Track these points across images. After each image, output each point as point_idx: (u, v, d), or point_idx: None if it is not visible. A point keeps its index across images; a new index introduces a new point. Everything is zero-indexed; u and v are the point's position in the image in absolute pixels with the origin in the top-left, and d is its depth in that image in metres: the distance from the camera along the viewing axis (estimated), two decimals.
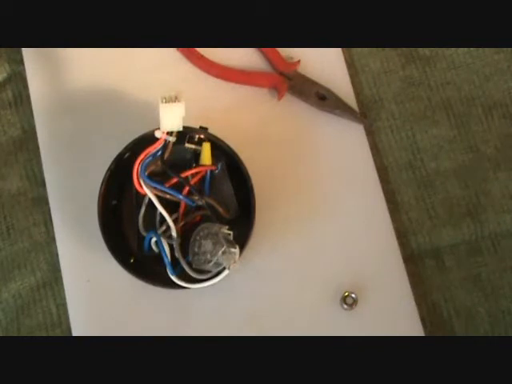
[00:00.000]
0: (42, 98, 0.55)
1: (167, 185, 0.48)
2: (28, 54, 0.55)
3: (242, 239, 0.48)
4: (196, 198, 0.48)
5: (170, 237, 0.48)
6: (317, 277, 0.52)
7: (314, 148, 0.54)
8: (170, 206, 0.48)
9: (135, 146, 0.49)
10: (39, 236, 0.54)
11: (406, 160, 0.55)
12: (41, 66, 0.55)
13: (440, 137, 0.55)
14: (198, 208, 0.49)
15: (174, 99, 0.44)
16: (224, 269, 0.46)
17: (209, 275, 0.47)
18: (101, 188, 0.49)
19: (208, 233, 0.47)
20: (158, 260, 0.47)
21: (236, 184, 0.50)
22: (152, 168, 0.47)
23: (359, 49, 0.57)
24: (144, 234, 0.48)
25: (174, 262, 0.47)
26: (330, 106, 0.54)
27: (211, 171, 0.49)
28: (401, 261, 0.52)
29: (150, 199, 0.47)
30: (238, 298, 0.52)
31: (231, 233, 0.47)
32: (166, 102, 0.44)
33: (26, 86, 0.55)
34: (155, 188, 0.47)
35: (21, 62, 0.56)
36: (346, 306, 0.51)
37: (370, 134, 0.55)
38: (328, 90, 0.55)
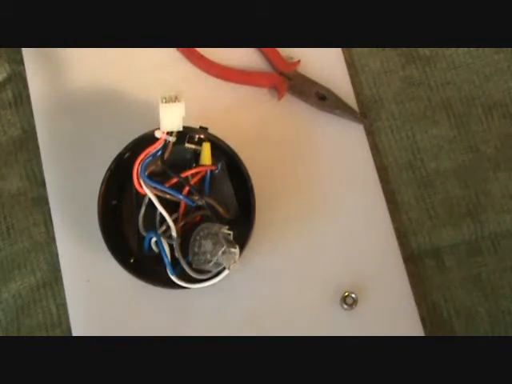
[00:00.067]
0: (42, 98, 0.55)
1: (167, 185, 0.48)
2: (28, 54, 0.55)
3: (241, 239, 0.48)
4: (196, 197, 0.48)
5: (170, 237, 0.48)
6: (317, 277, 0.52)
7: (314, 148, 0.54)
8: (170, 206, 0.48)
9: (135, 146, 0.49)
10: (39, 236, 0.54)
11: (406, 160, 0.55)
12: (41, 66, 0.55)
13: (440, 137, 0.55)
14: (198, 208, 0.49)
15: (174, 99, 0.44)
16: (224, 269, 0.46)
17: (209, 275, 0.47)
18: (101, 188, 0.49)
19: (208, 233, 0.47)
20: (158, 260, 0.47)
21: (236, 184, 0.50)
22: (152, 168, 0.47)
23: (359, 49, 0.57)
24: (144, 234, 0.48)
25: (174, 262, 0.47)
26: (330, 106, 0.54)
27: (211, 171, 0.49)
28: (401, 261, 0.52)
29: (149, 199, 0.47)
30: (238, 298, 0.52)
31: (231, 233, 0.47)
32: (165, 102, 0.44)
33: (26, 86, 0.55)
34: (155, 188, 0.47)
35: (21, 62, 0.56)
36: (346, 306, 0.51)
37: (370, 134, 0.55)
38: (328, 90, 0.55)
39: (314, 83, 0.55)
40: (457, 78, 0.56)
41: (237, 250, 0.46)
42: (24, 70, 0.55)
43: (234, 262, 0.46)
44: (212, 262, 0.46)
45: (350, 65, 0.56)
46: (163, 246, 0.47)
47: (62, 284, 0.52)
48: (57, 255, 0.53)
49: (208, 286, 0.47)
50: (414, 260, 0.54)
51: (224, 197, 0.50)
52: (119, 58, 0.55)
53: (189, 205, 0.48)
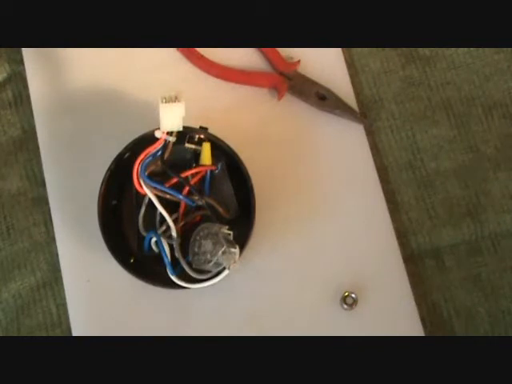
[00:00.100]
0: (42, 98, 0.55)
1: (167, 185, 0.48)
2: (28, 54, 0.55)
3: (242, 239, 0.48)
4: (196, 197, 0.48)
5: (170, 237, 0.48)
6: (317, 277, 0.52)
7: (314, 148, 0.54)
8: (170, 206, 0.48)
9: (135, 146, 0.49)
10: (39, 236, 0.54)
11: (406, 160, 0.55)
12: (41, 66, 0.55)
13: (440, 137, 0.55)
14: (198, 208, 0.49)
15: (174, 99, 0.44)
16: (224, 269, 0.46)
17: (209, 275, 0.47)
18: (101, 188, 0.49)
19: (208, 233, 0.47)
20: (158, 260, 0.47)
21: (236, 184, 0.50)
22: (152, 168, 0.47)
23: (359, 49, 0.57)
24: (144, 234, 0.48)
25: (174, 262, 0.47)
26: (330, 105, 0.54)
27: (211, 171, 0.49)
28: (401, 261, 0.52)
29: (149, 199, 0.47)
30: (238, 298, 0.52)
31: (231, 233, 0.47)
32: (166, 102, 0.44)
33: (26, 86, 0.55)
34: (155, 188, 0.47)
35: (21, 62, 0.56)
36: (346, 306, 0.51)
37: (370, 133, 0.55)
38: (328, 90, 0.55)
39: (314, 83, 0.55)
40: (457, 78, 0.56)
41: (237, 250, 0.46)
42: (24, 70, 0.55)
43: (234, 261, 0.46)
44: (212, 262, 0.46)
45: (350, 65, 0.56)
46: (163, 246, 0.47)
47: (62, 284, 0.52)
48: (57, 255, 0.53)
49: (208, 286, 0.47)
50: (414, 260, 0.54)
51: (224, 197, 0.50)
52: (119, 58, 0.55)
53: (189, 205, 0.48)
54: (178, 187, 0.48)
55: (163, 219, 0.47)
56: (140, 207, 0.48)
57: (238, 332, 0.51)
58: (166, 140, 0.46)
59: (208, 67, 0.55)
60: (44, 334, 0.52)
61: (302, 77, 0.55)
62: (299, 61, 0.55)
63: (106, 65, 0.55)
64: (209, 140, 0.49)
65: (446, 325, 0.53)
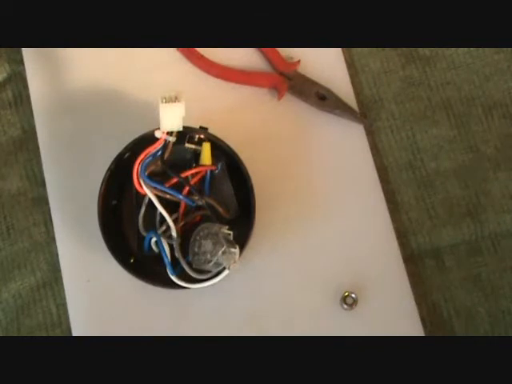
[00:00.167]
0: (42, 98, 0.55)
1: (167, 185, 0.48)
2: (28, 54, 0.55)
3: (242, 239, 0.48)
4: (196, 197, 0.48)
5: (170, 237, 0.48)
6: (317, 277, 0.52)
7: (314, 148, 0.54)
8: (170, 206, 0.48)
9: (135, 146, 0.49)
10: (39, 236, 0.54)
11: (406, 160, 0.55)
12: (41, 66, 0.55)
13: (440, 137, 0.55)
14: (198, 208, 0.49)
15: (174, 99, 0.44)
16: (224, 269, 0.46)
17: (209, 275, 0.47)
18: (101, 188, 0.49)
19: (208, 233, 0.47)
20: (158, 260, 0.47)
21: (236, 184, 0.50)
22: (152, 168, 0.47)
23: (359, 49, 0.57)
24: (144, 234, 0.48)
25: (174, 262, 0.47)
26: (330, 105, 0.54)
27: (211, 171, 0.49)
28: (401, 261, 0.52)
29: (150, 199, 0.47)
30: (238, 298, 0.52)
31: (231, 233, 0.47)
32: (166, 102, 0.44)
33: (26, 86, 0.55)
34: (155, 188, 0.47)
35: (21, 62, 0.56)
36: (346, 306, 0.51)
37: (370, 134, 0.55)
38: (328, 90, 0.55)
39: (314, 83, 0.55)
40: (457, 78, 0.56)
41: (237, 250, 0.46)
42: (24, 70, 0.55)
43: (234, 261, 0.46)
44: (212, 262, 0.46)
45: (350, 65, 0.56)
46: (163, 246, 0.47)
47: (62, 284, 0.52)
48: (57, 255, 0.53)
49: (208, 286, 0.47)
50: (414, 260, 0.54)
51: (224, 197, 0.50)
52: (119, 58, 0.55)
53: (189, 205, 0.48)
54: (178, 187, 0.48)
55: (163, 219, 0.47)
56: (140, 207, 0.48)
57: (238, 332, 0.51)
58: (166, 140, 0.46)
59: (208, 67, 0.55)
60: (44, 333, 0.52)
61: (301, 77, 0.55)
62: (299, 61, 0.55)
63: (106, 65, 0.55)
64: (209, 140, 0.49)
65: (446, 325, 0.53)
